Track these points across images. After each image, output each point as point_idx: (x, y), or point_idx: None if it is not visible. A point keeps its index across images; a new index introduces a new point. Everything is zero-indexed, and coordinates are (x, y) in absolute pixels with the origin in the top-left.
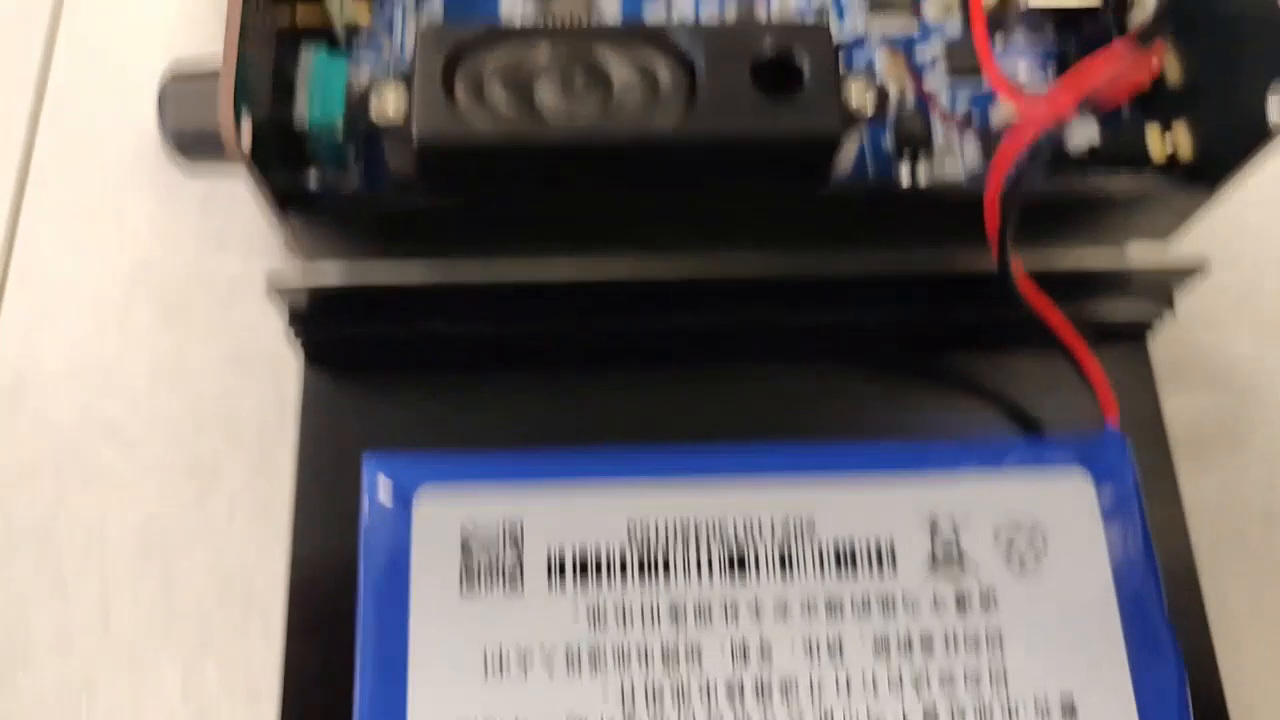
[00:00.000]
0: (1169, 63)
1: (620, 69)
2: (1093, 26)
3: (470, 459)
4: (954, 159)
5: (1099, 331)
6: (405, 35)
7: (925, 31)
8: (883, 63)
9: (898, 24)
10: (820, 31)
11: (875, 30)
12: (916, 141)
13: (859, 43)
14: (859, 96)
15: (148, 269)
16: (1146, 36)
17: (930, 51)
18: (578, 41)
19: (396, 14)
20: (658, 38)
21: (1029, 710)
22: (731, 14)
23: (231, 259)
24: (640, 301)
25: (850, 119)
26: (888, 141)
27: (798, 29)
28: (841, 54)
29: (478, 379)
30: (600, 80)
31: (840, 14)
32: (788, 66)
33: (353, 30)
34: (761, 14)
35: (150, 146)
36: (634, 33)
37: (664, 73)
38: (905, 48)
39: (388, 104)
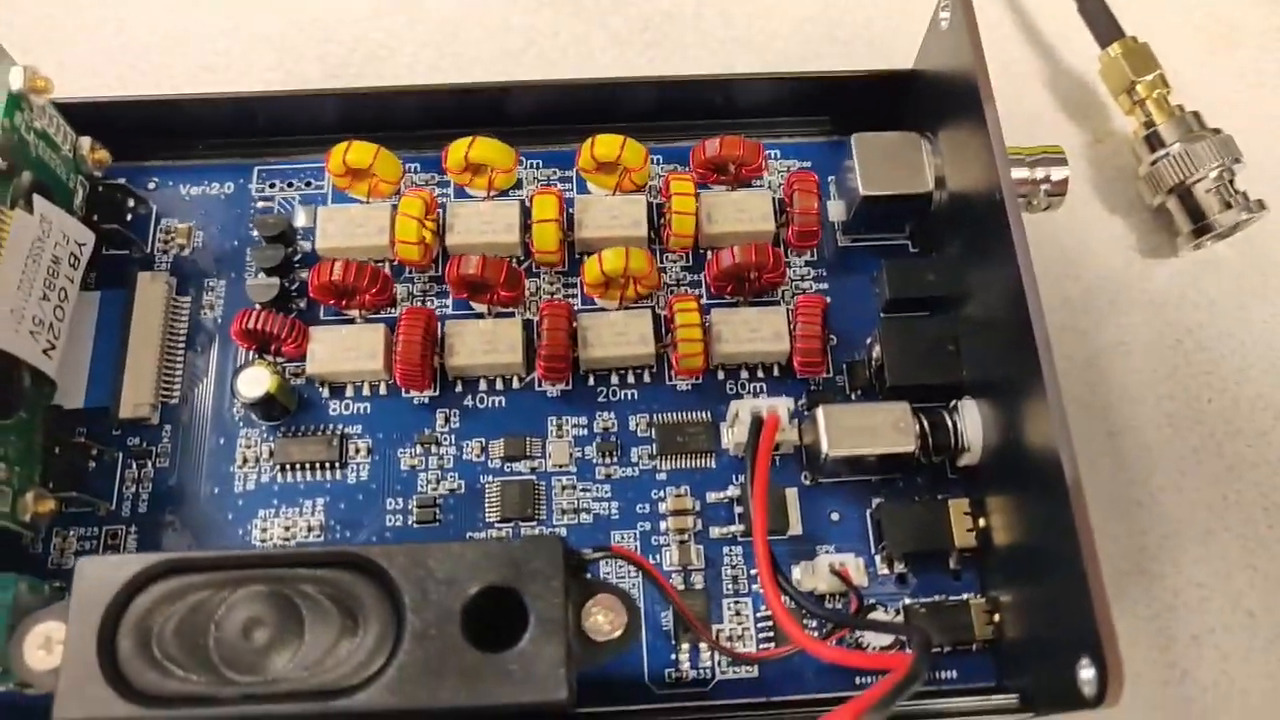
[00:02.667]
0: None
1: (314, 608)
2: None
3: None
4: None
5: None
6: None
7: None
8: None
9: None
10: (550, 545)
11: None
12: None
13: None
14: (604, 620)
15: None
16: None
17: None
18: (266, 576)
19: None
20: (360, 564)
21: None
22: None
23: None
24: None
25: (591, 650)
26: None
27: (527, 545)
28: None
29: None
30: (292, 626)
31: None
32: (510, 604)
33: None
34: None
35: None
36: (333, 558)
37: (367, 611)
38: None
39: (35, 656)
